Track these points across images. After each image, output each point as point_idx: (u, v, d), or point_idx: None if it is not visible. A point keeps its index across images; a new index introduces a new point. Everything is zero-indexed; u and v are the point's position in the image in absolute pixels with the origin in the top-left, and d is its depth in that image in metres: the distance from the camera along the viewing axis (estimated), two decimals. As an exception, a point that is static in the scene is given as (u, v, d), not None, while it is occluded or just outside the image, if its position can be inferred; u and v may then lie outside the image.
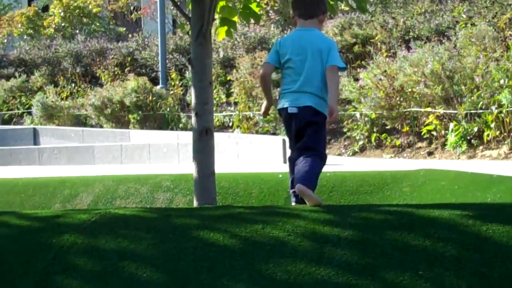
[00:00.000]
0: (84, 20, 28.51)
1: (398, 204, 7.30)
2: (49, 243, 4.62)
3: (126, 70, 22.31)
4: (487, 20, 15.29)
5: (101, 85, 21.88)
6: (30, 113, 22.47)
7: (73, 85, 22.78)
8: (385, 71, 15.40)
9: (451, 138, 14.03)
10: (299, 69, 5.66)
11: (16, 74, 23.97)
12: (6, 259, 4.54)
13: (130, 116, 19.76)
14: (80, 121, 21.23)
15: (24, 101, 23.08)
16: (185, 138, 16.69)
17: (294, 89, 5.68)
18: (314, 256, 4.28)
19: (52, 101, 21.67)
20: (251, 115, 18.11)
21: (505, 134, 13.59)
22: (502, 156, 13.46)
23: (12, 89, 23.51)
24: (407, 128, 15.11)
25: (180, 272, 4.31)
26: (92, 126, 20.64)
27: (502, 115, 13.57)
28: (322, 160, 5.73)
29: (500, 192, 7.73)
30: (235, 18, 7.76)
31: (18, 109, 23.17)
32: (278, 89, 5.97)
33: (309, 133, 5.61)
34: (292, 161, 5.72)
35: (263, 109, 6.05)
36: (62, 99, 22.06)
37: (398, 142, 15.26)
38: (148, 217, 4.96)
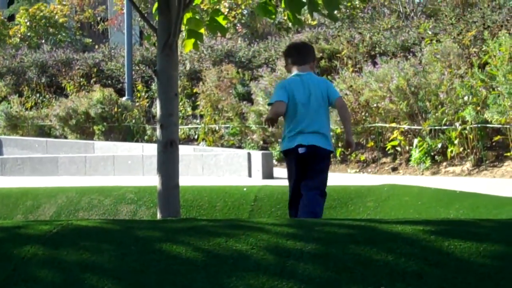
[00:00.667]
0: (50, 30, 28.38)
1: (362, 219, 7.33)
2: (10, 254, 4.57)
3: (92, 81, 22.22)
4: (452, 37, 15.43)
5: (66, 96, 21.77)
6: (-7, 123, 22.27)
7: (38, 95, 22.64)
8: (351, 86, 15.48)
9: (415, 153, 14.12)
10: (306, 112, 6.09)
11: (-20, 84, 23.76)
12: (-35, 270, 4.48)
13: (95, 127, 19.67)
14: (44, 132, 21.09)
15: (-13, 110, 22.87)
16: (150, 150, 16.64)
17: (306, 130, 6.06)
18: (276, 269, 4.27)
19: (16, 111, 21.52)
20: (217, 128, 18.10)
21: (468, 150, 13.70)
22: (465, 172, 13.56)
23: (-25, 99, 23.30)
24: (372, 143, 15.18)
25: (142, 284, 4.28)
26: (56, 136, 20.51)
27: (466, 131, 13.68)
28: (325, 197, 6.43)
29: (463, 208, 7.79)
30: (202, 31, 7.76)
31: (-18, 119, 22.96)
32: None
33: (319, 172, 6.23)
34: (298, 192, 6.32)
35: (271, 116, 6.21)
36: (26, 109, 21.91)
37: (363, 157, 15.33)
38: (110, 229, 4.93)
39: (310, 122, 6.06)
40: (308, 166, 6.15)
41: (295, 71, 6.22)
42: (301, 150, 6.02)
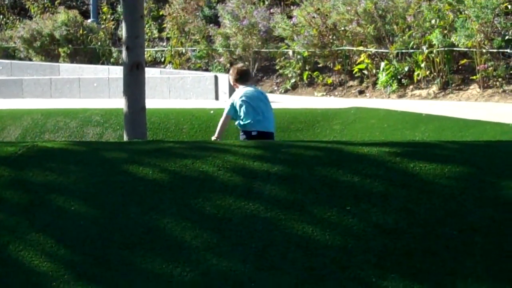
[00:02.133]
0: (13, -51, 27.77)
1: (328, 141, 7.35)
2: (-25, 176, 4.54)
3: (56, 2, 21.85)
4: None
5: (30, 18, 21.42)
6: (-44, 45, 21.93)
7: (1, 17, 22.26)
8: (319, 9, 15.38)
9: (382, 77, 14.14)
10: (258, 109, 7.53)
11: None
12: None
13: (60, 49, 19.43)
14: (9, 54, 20.80)
15: (-49, 32, 22.49)
16: (116, 73, 16.50)
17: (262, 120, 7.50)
18: (243, 191, 4.29)
19: (-20, 33, 21.17)
20: (184, 51, 17.97)
21: (435, 74, 13.75)
22: (432, 95, 13.63)
23: None
24: (339, 67, 15.17)
25: (108, 205, 4.28)
26: (21, 59, 20.25)
27: (433, 55, 13.70)
28: None
29: (428, 131, 7.85)
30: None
31: None
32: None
33: None
34: None
35: (216, 136, 7.64)
36: (-11, 31, 21.56)
37: (329, 81, 15.33)
38: (76, 151, 4.90)
39: (266, 117, 7.62)
40: None
41: (242, 85, 7.73)
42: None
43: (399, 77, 14.08)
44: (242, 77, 7.74)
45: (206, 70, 17.24)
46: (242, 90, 7.60)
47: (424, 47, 13.74)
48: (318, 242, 3.96)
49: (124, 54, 7.78)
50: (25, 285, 3.90)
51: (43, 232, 4.14)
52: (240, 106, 7.48)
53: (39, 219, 4.22)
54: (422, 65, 13.73)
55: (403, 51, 14.12)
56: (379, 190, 4.22)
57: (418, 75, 13.82)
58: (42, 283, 3.90)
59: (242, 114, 7.49)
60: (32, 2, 22.08)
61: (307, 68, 15.62)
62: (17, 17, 22.07)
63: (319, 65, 15.63)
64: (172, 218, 4.16)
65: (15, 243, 4.10)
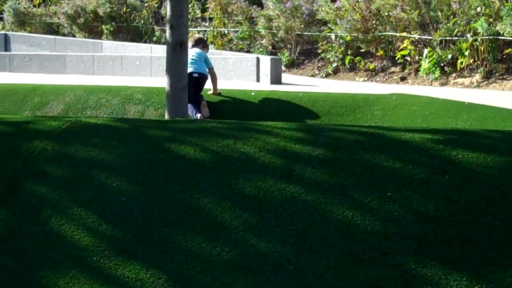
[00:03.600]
0: None
1: (370, 126, 7.31)
2: (19, 149, 4.59)
3: (101, -21, 21.94)
4: None
5: (75, -6, 21.52)
6: (1, 19, 22.12)
7: (46, -8, 22.39)
8: (363, -7, 15.26)
9: (425, 64, 14.02)
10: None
11: (-12, -22, 23.51)
12: (-26, 162, 4.51)
13: (103, 26, 19.51)
14: (52, 29, 20.94)
15: (-5, 6, 22.69)
16: (158, 52, 16.55)
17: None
18: (284, 173, 4.29)
19: (24, 8, 21.32)
20: (226, 32, 17.97)
21: (478, 62, 13.61)
22: (475, 84, 13.50)
23: (-17, -7, 23.09)
24: (382, 52, 15.07)
25: (150, 183, 4.31)
26: (64, 34, 20.38)
27: (477, 43, 13.55)
28: None
29: (471, 120, 7.78)
30: None
31: (-11, 14, 22.79)
32: None
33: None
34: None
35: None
36: (34, 6, 21.70)
37: (371, 66, 15.24)
38: (119, 127, 4.93)
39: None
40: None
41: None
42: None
43: (442, 64, 13.95)
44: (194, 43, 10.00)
45: (248, 51, 17.22)
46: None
47: (468, 35, 13.59)
48: (358, 226, 3.95)
49: (167, 33, 7.81)
50: (67, 259, 3.94)
51: (85, 207, 4.18)
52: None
53: (81, 194, 4.26)
54: (466, 53, 13.59)
55: (447, 38, 13.99)
56: (420, 177, 4.21)
57: (461, 63, 13.69)
58: (83, 258, 3.94)
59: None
60: (77, -22, 22.18)
61: (349, 52, 15.53)
62: (62, -7, 22.18)
63: (361, 50, 15.53)
64: (213, 198, 4.17)
65: (57, 217, 4.15)
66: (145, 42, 19.11)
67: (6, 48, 20.24)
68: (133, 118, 7.90)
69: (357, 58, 15.40)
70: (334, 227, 3.96)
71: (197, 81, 9.48)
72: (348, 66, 15.46)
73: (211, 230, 4.01)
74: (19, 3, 21.47)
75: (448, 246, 3.84)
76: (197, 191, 4.22)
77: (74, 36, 20.03)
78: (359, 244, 3.87)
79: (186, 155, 4.48)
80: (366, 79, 15.05)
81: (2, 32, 21.22)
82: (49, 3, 21.83)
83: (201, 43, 10.38)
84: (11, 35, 20.63)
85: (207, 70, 9.84)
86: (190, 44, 9.76)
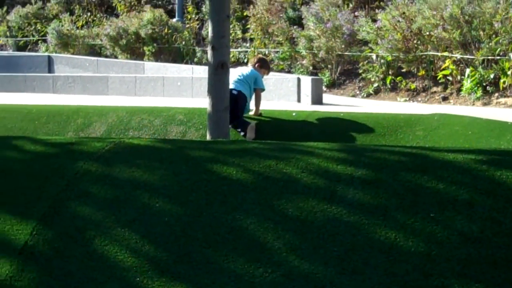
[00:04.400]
0: (102, -51, 28.23)
1: (412, 146, 7.28)
2: (63, 170, 4.64)
3: (142, 1, 22.15)
4: (509, -35, 15.06)
5: (117, 16, 21.76)
6: (45, 41, 22.40)
7: (88, 14, 22.67)
8: (404, 13, 15.24)
9: (467, 83, 13.94)
10: None
11: (32, 1, 23.85)
12: (20, 183, 4.57)
13: (145, 48, 19.68)
14: (95, 51, 21.17)
15: (39, 28, 23.01)
16: (200, 72, 16.65)
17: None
18: (326, 194, 4.28)
19: (68, 30, 21.59)
20: (267, 52, 18.02)
21: (521, 82, 13.49)
22: (517, 104, 13.38)
23: (27, 16, 23.42)
24: (423, 72, 15.01)
25: (192, 203, 4.32)
26: (106, 56, 20.58)
27: (520, 62, 13.45)
28: None
29: (514, 140, 7.71)
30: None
31: (33, 36, 23.11)
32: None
33: None
34: None
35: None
36: (77, 27, 21.96)
37: (413, 86, 15.18)
38: (162, 148, 4.97)
39: None
40: None
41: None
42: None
43: (484, 84, 13.86)
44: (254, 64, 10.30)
45: (289, 72, 17.25)
46: None
47: (511, 54, 13.49)
48: (401, 248, 3.93)
49: (209, 54, 7.86)
50: (110, 280, 3.97)
51: (128, 228, 4.20)
52: None
53: (125, 215, 4.28)
54: (509, 72, 13.48)
55: (489, 57, 13.90)
56: (464, 198, 4.17)
57: (504, 82, 13.58)
58: (126, 278, 3.96)
59: None
60: (119, 0, 22.43)
61: (390, 72, 15.50)
62: (104, 15, 22.44)
63: (402, 70, 15.49)
64: (255, 219, 4.18)
65: (100, 237, 4.18)
66: (186, 63, 19.23)
67: (50, 69, 20.49)
68: (175, 139, 7.94)
69: (398, 78, 15.35)
70: (377, 249, 3.94)
71: (233, 97, 9.47)
72: (389, 86, 15.41)
73: (253, 251, 4.01)
74: (62, 25, 21.74)
75: (492, 268, 3.80)
76: (239, 212, 4.23)
77: (116, 57, 20.23)
78: (403, 266, 3.85)
79: (228, 176, 4.49)
80: (407, 99, 14.99)
81: (46, 53, 21.49)
82: (92, 25, 22.08)
83: (257, 62, 10.47)
84: (54, 56, 20.89)
85: (252, 90, 9.90)
86: (252, 61, 10.48)
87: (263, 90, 10.09)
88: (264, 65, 10.45)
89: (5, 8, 24.24)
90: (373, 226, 4.06)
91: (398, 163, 4.55)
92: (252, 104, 9.79)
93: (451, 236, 3.96)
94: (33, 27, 23.15)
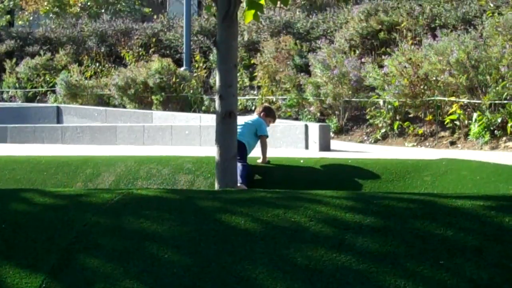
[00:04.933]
0: None
1: (421, 192, 7.29)
2: (72, 221, 4.65)
3: (150, 51, 22.35)
4: (514, 10, 15.16)
5: (125, 65, 21.93)
6: (54, 91, 22.57)
7: (97, 64, 22.85)
8: (410, 58, 15.33)
9: (474, 128, 13.96)
10: None
11: (41, 52, 24.07)
12: (29, 235, 4.58)
13: (153, 97, 19.80)
14: (103, 101, 21.30)
15: (48, 79, 23.19)
16: (208, 121, 16.72)
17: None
18: (335, 242, 4.28)
19: (76, 80, 21.75)
20: (274, 100, 18.10)
21: (529, 125, 13.51)
22: (526, 147, 13.38)
23: (36, 67, 23.62)
24: (430, 117, 15.05)
25: (201, 254, 4.32)
26: (115, 106, 20.71)
27: (527, 106, 13.48)
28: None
29: (523, 184, 7.70)
30: (262, 1, 7.75)
31: (42, 87, 23.28)
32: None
33: None
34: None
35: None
36: (86, 78, 22.13)
37: (420, 131, 15.21)
38: (170, 198, 4.99)
39: None
40: None
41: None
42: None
43: (491, 128, 13.88)
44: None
45: (296, 119, 17.31)
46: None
47: (518, 98, 13.53)
48: (410, 296, 3.92)
49: (217, 103, 7.90)
50: (119, 331, 3.96)
51: (137, 279, 4.20)
52: None
53: (134, 266, 4.28)
54: (516, 116, 13.51)
55: (496, 102, 13.94)
56: (473, 244, 4.17)
57: (511, 126, 13.60)
58: (136, 330, 3.96)
59: None
60: (127, 50, 22.62)
61: (397, 118, 15.54)
62: (112, 65, 22.62)
63: (409, 115, 15.53)
64: (264, 268, 4.18)
65: (110, 289, 4.18)
66: (194, 111, 19.32)
67: (59, 120, 20.61)
68: (183, 189, 7.96)
69: (405, 123, 15.39)
70: (387, 297, 3.93)
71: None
72: (396, 132, 15.44)
73: (263, 301, 4.00)
74: (71, 76, 21.91)
75: (503, 315, 3.79)
76: (248, 262, 4.23)
77: (124, 107, 20.34)
78: (413, 314, 3.84)
79: (236, 226, 4.50)
80: (415, 144, 15.00)
81: (55, 104, 21.64)
82: (100, 75, 22.25)
83: (262, 111, 10.41)
84: (63, 107, 21.02)
85: (257, 138, 9.86)
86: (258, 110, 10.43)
87: (267, 136, 10.00)
88: (269, 114, 10.37)
89: (14, 60, 24.45)
90: (382, 274, 4.05)
91: (406, 210, 4.55)
92: (258, 152, 9.80)
93: (460, 284, 3.95)
94: (42, 78, 23.33)
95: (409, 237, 4.26)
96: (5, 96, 24.23)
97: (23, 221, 4.74)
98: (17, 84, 23.91)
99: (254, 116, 10.14)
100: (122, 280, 4.21)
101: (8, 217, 4.78)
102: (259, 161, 9.70)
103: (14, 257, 4.44)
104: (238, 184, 8.95)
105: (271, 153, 10.27)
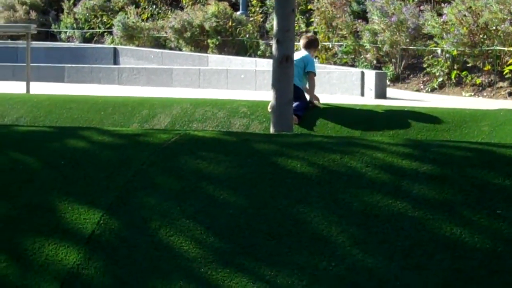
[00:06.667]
0: None
1: (479, 142, 7.21)
2: (130, 160, 4.70)
3: (207, -6, 22.27)
4: None
5: (182, 8, 21.92)
6: (110, 33, 22.67)
7: (154, 6, 22.87)
8: (470, 7, 15.08)
9: (534, 79, 13.74)
10: None
11: (99, -7, 24.14)
12: (87, 173, 4.64)
13: (209, 40, 19.80)
14: (160, 43, 21.36)
15: (105, 20, 23.29)
16: (263, 65, 16.69)
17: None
18: (391, 189, 4.27)
19: (133, 22, 21.82)
20: (330, 46, 17.98)
21: None
22: None
23: (94, 8, 23.73)
24: (489, 67, 14.84)
25: (256, 196, 4.35)
26: (171, 48, 20.76)
27: None
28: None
29: None
30: None
31: (99, 28, 23.40)
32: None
33: None
34: None
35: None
36: (142, 20, 22.18)
37: (478, 81, 15.02)
38: (226, 141, 5.00)
39: None
40: None
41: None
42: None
43: (551, 79, 13.66)
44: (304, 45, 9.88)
45: (352, 65, 17.19)
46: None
47: None
48: (466, 244, 3.90)
49: (274, 47, 7.87)
50: (175, 270, 4.02)
51: (193, 219, 4.25)
52: None
53: (190, 206, 4.33)
54: None
55: (558, 53, 13.68)
56: (531, 195, 4.12)
57: None
58: (191, 269, 4.01)
59: None
60: (184, -7, 22.58)
61: (455, 67, 15.36)
62: (169, 8, 22.62)
63: (468, 65, 15.33)
64: (319, 212, 4.19)
65: (166, 228, 4.23)
66: (250, 56, 19.29)
67: (115, 61, 20.74)
68: (240, 132, 7.98)
69: (463, 73, 15.20)
70: (442, 244, 3.92)
71: None
72: (454, 81, 15.26)
73: (317, 244, 4.02)
74: (128, 18, 21.98)
75: (560, 266, 3.76)
76: (303, 205, 4.24)
77: (180, 50, 20.38)
78: (468, 262, 3.82)
79: (292, 169, 4.50)
80: (472, 94, 14.83)
81: (112, 45, 21.76)
82: (157, 18, 22.28)
83: (312, 45, 10.08)
84: (120, 49, 21.13)
85: (305, 76, 9.67)
86: (302, 43, 9.91)
87: (315, 74, 9.76)
88: (317, 46, 10.12)
89: (72, 1, 24.58)
90: (438, 221, 4.04)
91: (464, 159, 4.51)
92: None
93: (517, 233, 3.92)
94: (99, 19, 23.45)
95: (466, 186, 4.23)
96: (63, 36, 24.41)
97: (81, 159, 4.80)
98: (74, 25, 24.07)
99: (301, 53, 9.89)
100: (179, 219, 4.26)
101: (67, 155, 4.84)
102: (311, 105, 9.54)
103: (73, 193, 4.52)
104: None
105: (327, 99, 10.24)
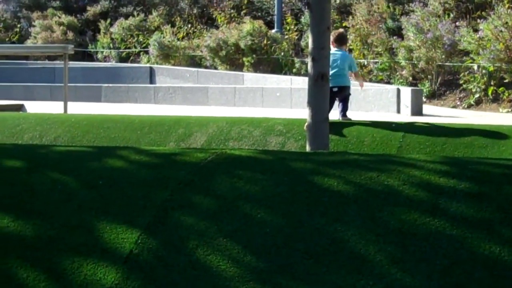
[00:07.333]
0: (202, -39, 28.63)
1: (516, 159, 7.14)
2: (167, 179, 4.72)
3: (242, 12, 22.37)
4: None
5: (217, 27, 22.03)
6: (146, 52, 22.83)
7: (189, 25, 23.01)
8: (507, 22, 14.99)
9: None
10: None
11: (135, 13, 24.35)
12: (125, 192, 4.67)
13: (244, 59, 19.85)
14: (195, 62, 21.47)
15: (141, 40, 23.46)
16: (298, 83, 16.70)
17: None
18: (428, 206, 4.25)
19: (169, 41, 21.95)
20: (366, 63, 17.95)
21: None
22: None
23: (130, 28, 23.92)
24: (526, 83, 14.72)
25: (293, 215, 4.35)
26: (206, 67, 20.85)
27: None
28: None
29: None
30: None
31: (135, 47, 23.58)
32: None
33: None
34: None
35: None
36: (178, 39, 22.32)
37: (516, 97, 14.90)
38: (263, 159, 5.01)
39: None
40: None
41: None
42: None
43: None
44: (336, 41, 9.73)
45: (388, 82, 17.15)
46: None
47: None
48: (506, 263, 3.87)
49: (309, 65, 7.88)
50: (213, 288, 4.02)
51: (230, 238, 4.25)
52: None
53: (227, 225, 4.33)
54: None
55: None
56: None
57: None
58: None
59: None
60: (219, 12, 22.70)
61: (492, 83, 15.26)
62: (204, 26, 22.75)
63: (505, 81, 15.23)
64: (356, 231, 4.17)
65: (203, 247, 4.23)
66: (285, 74, 19.31)
67: (151, 80, 20.88)
68: (276, 150, 7.99)
69: (500, 89, 15.10)
70: (481, 263, 3.89)
71: (335, 95, 9.60)
72: (491, 97, 15.17)
73: (355, 263, 4.00)
74: (163, 37, 22.13)
75: None
76: (340, 224, 4.23)
77: (216, 68, 20.46)
78: (508, 282, 3.79)
79: (329, 188, 4.50)
80: (510, 110, 14.72)
81: (148, 65, 21.91)
82: (192, 37, 22.40)
83: (344, 41, 10.05)
84: (156, 68, 21.26)
85: (351, 76, 10.08)
86: (331, 39, 9.38)
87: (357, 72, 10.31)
88: (343, 40, 10.07)
89: (108, 21, 24.81)
90: (477, 240, 4.01)
91: (502, 176, 4.48)
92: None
93: (557, 252, 3.88)
94: (135, 39, 23.62)
95: (504, 204, 4.19)
96: (99, 56, 24.63)
97: (119, 178, 4.83)
98: (111, 45, 24.28)
99: (336, 53, 9.79)
100: (216, 238, 4.26)
101: (104, 174, 4.88)
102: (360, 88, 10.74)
103: (111, 213, 4.54)
104: (341, 118, 9.69)
105: (362, 116, 10.22)
